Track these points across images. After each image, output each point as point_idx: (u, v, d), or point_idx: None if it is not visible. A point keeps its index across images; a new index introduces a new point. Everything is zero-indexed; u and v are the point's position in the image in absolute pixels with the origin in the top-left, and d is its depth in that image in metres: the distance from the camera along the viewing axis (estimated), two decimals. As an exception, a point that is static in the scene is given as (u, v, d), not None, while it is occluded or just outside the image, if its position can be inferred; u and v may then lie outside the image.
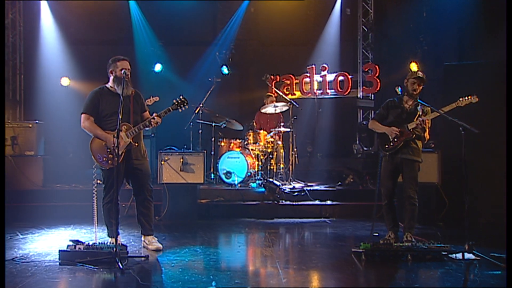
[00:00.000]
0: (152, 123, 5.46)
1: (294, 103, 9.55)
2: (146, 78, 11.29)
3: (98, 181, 5.66)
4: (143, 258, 5.20)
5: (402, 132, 5.74)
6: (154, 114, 5.52)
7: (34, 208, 7.90)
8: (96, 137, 5.43)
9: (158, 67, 11.47)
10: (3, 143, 5.84)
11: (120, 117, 5.05)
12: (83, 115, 5.47)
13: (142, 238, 5.74)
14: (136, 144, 5.49)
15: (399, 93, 5.86)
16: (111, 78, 5.56)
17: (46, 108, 10.27)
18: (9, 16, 11.26)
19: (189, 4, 11.22)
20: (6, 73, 11.18)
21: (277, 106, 9.51)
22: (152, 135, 9.99)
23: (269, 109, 9.62)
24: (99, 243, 5.14)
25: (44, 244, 5.84)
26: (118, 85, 5.46)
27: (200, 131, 9.75)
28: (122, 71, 5.45)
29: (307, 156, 11.42)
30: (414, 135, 5.73)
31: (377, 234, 6.33)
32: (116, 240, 4.93)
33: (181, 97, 5.53)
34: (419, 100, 5.78)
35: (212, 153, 9.61)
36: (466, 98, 5.49)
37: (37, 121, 9.00)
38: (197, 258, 5.26)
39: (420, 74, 5.83)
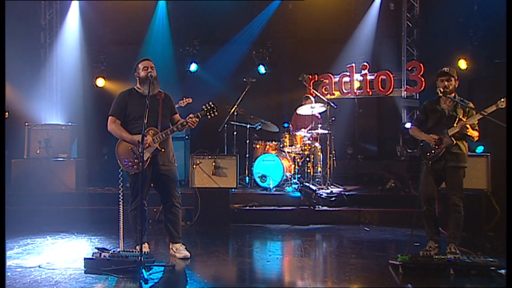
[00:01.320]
0: (188, 121, 5.37)
1: (332, 104, 9.31)
2: (181, 79, 11.32)
3: (127, 185, 5.62)
4: (169, 267, 5.12)
5: (441, 140, 5.47)
6: (181, 120, 5.44)
7: (66, 211, 7.99)
8: (122, 140, 5.40)
9: (193, 67, 11.48)
10: (3, 143, 5.89)
11: (146, 121, 4.98)
12: (109, 118, 5.47)
13: (170, 246, 5.67)
14: (163, 150, 5.41)
15: (440, 94, 5.57)
16: (137, 80, 5.53)
17: (81, 109, 10.41)
18: (47, 17, 11.49)
19: (224, 2, 11.13)
20: (44, 74, 11.43)
21: (314, 107, 9.30)
22: (186, 137, 9.97)
23: (306, 110, 9.43)
24: (124, 251, 5.08)
25: (72, 250, 5.87)
26: (144, 85, 5.43)
27: (235, 133, 9.65)
28: (147, 72, 5.40)
29: (347, 159, 11.17)
30: (455, 142, 5.44)
31: (417, 244, 6.08)
32: (141, 248, 4.86)
33: (210, 103, 5.42)
34: (454, 99, 5.47)
35: (247, 155, 9.50)
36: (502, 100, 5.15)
37: (70, 123, 9.12)
38: (224, 268, 5.15)
39: (446, 69, 5.55)
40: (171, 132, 5.39)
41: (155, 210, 7.63)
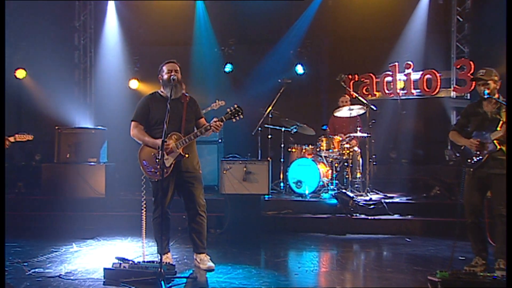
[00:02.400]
0: (212, 125, 5.27)
1: (372, 106, 9.03)
2: (214, 80, 11.27)
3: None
4: (191, 279, 5.03)
5: (483, 145, 5.16)
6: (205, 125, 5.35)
7: (95, 217, 8.06)
8: (145, 145, 5.36)
9: (228, 68, 11.40)
10: (3, 143, 5.93)
11: (166, 127, 4.91)
12: (132, 123, 5.44)
13: (194, 256, 5.58)
14: (187, 155, 5.32)
15: (485, 95, 5.25)
16: (161, 83, 5.47)
17: (114, 112, 10.49)
18: (81, 18, 11.68)
19: (261, 1, 11.03)
20: (77, 76, 11.62)
21: (352, 109, 9.06)
22: (219, 140, 9.91)
23: (344, 112, 9.20)
24: (144, 261, 5.04)
25: (95, 259, 5.88)
26: (166, 89, 5.41)
27: (269, 136, 9.50)
28: (170, 75, 5.34)
29: (390, 163, 10.84)
30: (499, 148, 5.11)
31: (463, 258, 5.78)
32: (161, 259, 4.79)
33: (235, 105, 5.30)
34: (499, 100, 5.16)
35: (282, 160, 9.35)
36: None
37: (99, 127, 9.21)
38: (248, 282, 5.00)
39: (481, 72, 5.29)
40: (194, 136, 5.30)
41: (184, 216, 7.53)
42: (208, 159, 9.61)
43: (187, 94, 5.62)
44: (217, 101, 8.81)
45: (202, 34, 11.63)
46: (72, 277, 5.03)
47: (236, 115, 5.27)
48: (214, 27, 11.62)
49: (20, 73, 10.58)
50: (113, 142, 9.44)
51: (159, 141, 5.11)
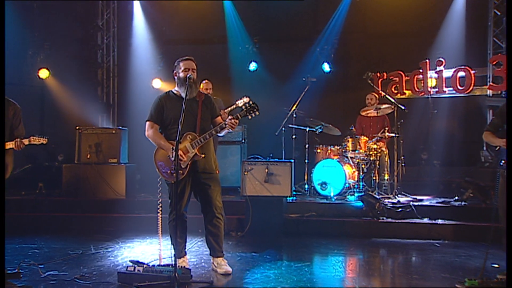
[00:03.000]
0: (227, 123, 5.12)
1: (399, 105, 8.83)
2: (240, 78, 11.22)
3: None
4: (206, 284, 4.97)
5: (517, 145, 4.95)
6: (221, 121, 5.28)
7: (115, 219, 8.08)
8: (159, 147, 5.31)
9: (253, 66, 11.35)
10: (3, 143, 5.97)
11: (181, 127, 4.84)
12: (147, 123, 5.38)
13: (211, 260, 5.51)
14: (203, 156, 5.24)
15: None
16: (176, 81, 5.40)
17: (136, 111, 10.51)
18: (104, 17, 11.78)
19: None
20: (100, 76, 11.71)
21: (379, 108, 8.86)
22: (243, 141, 9.84)
23: (371, 112, 9.01)
24: (159, 265, 4.99)
25: (112, 262, 5.87)
26: (181, 87, 5.32)
27: (294, 136, 9.38)
28: (187, 74, 5.25)
29: (421, 164, 10.59)
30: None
31: (496, 265, 5.56)
32: (175, 263, 4.73)
33: (250, 102, 5.18)
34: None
35: (307, 161, 9.22)
36: None
37: (120, 127, 9.24)
38: (265, 287, 4.91)
39: None
40: (209, 135, 5.21)
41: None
42: (231, 160, 9.56)
43: (202, 92, 5.54)
44: (243, 98, 8.74)
45: (227, 32, 11.58)
46: (86, 280, 5.01)
47: (251, 111, 5.13)
48: (239, 25, 11.56)
49: (43, 73, 10.71)
50: (135, 142, 9.44)
51: (173, 145, 5.08)
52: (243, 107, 5.16)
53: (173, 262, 5.14)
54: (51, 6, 10.67)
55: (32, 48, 10.76)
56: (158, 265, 4.99)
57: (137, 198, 8.75)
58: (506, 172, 4.83)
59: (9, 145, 5.85)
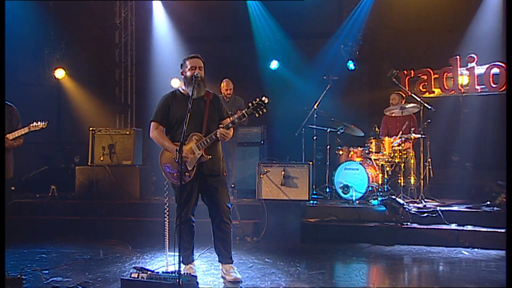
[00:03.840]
0: (217, 135, 5.08)
1: (426, 105, 8.60)
2: (261, 77, 11.16)
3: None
4: (212, 292, 4.90)
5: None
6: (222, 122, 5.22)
7: (128, 223, 8.09)
8: (165, 149, 5.25)
9: (274, 64, 11.26)
10: (3, 143, 6.03)
11: (187, 126, 4.78)
12: (151, 124, 5.34)
13: (220, 267, 5.44)
14: (210, 157, 5.16)
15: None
16: (182, 79, 5.34)
17: (153, 112, 10.49)
18: (122, 15, 11.83)
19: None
20: (118, 76, 11.77)
21: (404, 108, 8.65)
22: (262, 142, 9.76)
23: (395, 111, 8.81)
24: (164, 272, 4.92)
25: (118, 268, 5.84)
26: (188, 87, 5.23)
27: (315, 137, 9.25)
28: (193, 72, 5.19)
29: (451, 167, 10.33)
30: None
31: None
32: (179, 270, 4.65)
33: (257, 99, 5.03)
34: None
35: (328, 163, 9.07)
36: None
37: (134, 128, 9.24)
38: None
39: None
40: (215, 136, 5.12)
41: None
42: (249, 161, 9.49)
43: (210, 91, 5.46)
44: (263, 97, 8.63)
45: (248, 30, 11.50)
46: (89, 287, 4.98)
47: (258, 109, 5.01)
48: (261, 22, 11.47)
49: (59, 73, 10.82)
50: (151, 143, 9.40)
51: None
52: (250, 104, 5.05)
53: (184, 268, 5.20)
54: (67, 5, 10.78)
55: (48, 48, 10.89)
56: (163, 272, 4.92)
57: (151, 201, 8.71)
58: (506, 172, 4.64)
59: None
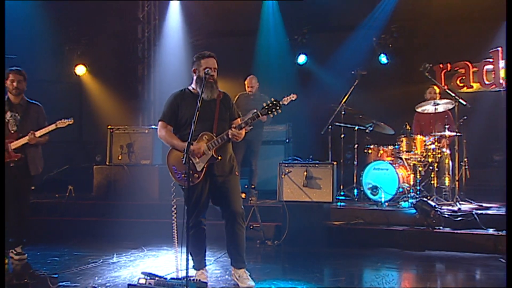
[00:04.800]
0: (229, 135, 5.02)
1: (461, 100, 8.32)
2: (283, 73, 11.02)
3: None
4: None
5: None
6: (234, 122, 5.14)
7: (146, 224, 8.07)
8: (173, 148, 5.19)
9: (302, 59, 11.11)
10: (3, 143, 6.11)
11: (193, 127, 4.71)
12: (160, 123, 5.29)
13: (232, 271, 5.37)
14: (220, 158, 5.09)
15: None
16: (194, 78, 5.27)
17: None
18: (145, 9, 11.85)
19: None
20: (140, 72, 11.79)
21: (438, 104, 8.39)
22: (287, 140, 9.68)
23: (428, 107, 8.55)
24: (172, 278, 4.87)
25: (130, 272, 5.82)
26: (199, 87, 5.17)
27: (342, 135, 9.09)
28: (207, 74, 5.09)
29: (493, 167, 10.01)
30: None
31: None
32: (187, 276, 4.59)
33: (272, 99, 5.01)
34: None
35: (355, 163, 8.91)
36: None
37: (153, 126, 9.25)
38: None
39: None
40: (227, 136, 5.04)
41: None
42: (274, 161, 9.32)
43: (220, 90, 5.38)
44: (291, 95, 8.58)
45: (272, 23, 11.37)
46: (96, 293, 4.98)
47: (273, 109, 4.97)
48: (286, 14, 11.33)
49: (80, 70, 10.92)
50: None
51: (199, 146, 5.03)
52: (264, 104, 5.01)
53: (196, 274, 5.22)
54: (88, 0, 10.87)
55: (69, 44, 10.99)
56: (171, 278, 4.87)
57: (171, 202, 8.67)
58: (506, 172, 4.42)
59: (23, 140, 6.26)
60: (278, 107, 4.96)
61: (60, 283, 5.31)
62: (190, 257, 5.24)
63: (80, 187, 9.64)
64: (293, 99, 8.65)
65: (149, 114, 11.80)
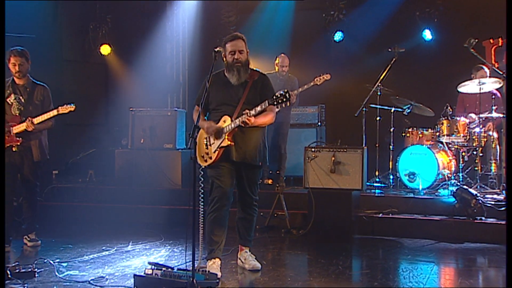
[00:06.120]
0: (239, 121, 5.04)
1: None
2: (322, 50, 10.83)
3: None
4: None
5: None
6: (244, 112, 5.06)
7: (168, 211, 8.10)
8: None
9: (338, 36, 10.87)
10: (3, 143, 6.14)
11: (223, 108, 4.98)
12: (195, 107, 5.46)
13: (238, 254, 5.58)
14: (231, 144, 5.12)
15: None
16: (224, 63, 5.33)
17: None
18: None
19: None
20: (169, 51, 11.76)
21: (483, 83, 8.04)
22: (319, 123, 9.50)
23: (471, 87, 8.21)
24: (180, 269, 4.86)
25: (142, 261, 5.82)
26: (229, 73, 5.25)
27: (378, 118, 8.87)
28: (233, 58, 5.17)
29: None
30: None
31: None
32: (193, 267, 4.55)
33: (282, 92, 4.97)
34: None
35: (391, 147, 8.68)
36: None
37: (176, 109, 9.22)
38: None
39: None
40: (241, 122, 5.01)
41: (262, 214, 7.32)
42: (304, 145, 9.20)
43: (257, 71, 5.40)
44: (321, 75, 8.45)
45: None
46: (102, 284, 4.99)
47: (281, 101, 4.98)
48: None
49: (105, 49, 10.99)
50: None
51: (208, 124, 5.20)
52: (274, 96, 5.03)
53: (208, 264, 5.20)
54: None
55: (93, 22, 11.04)
56: (178, 269, 4.85)
57: (195, 188, 8.66)
58: (506, 172, 4.17)
59: (21, 127, 6.28)
60: (286, 100, 4.96)
61: (68, 273, 5.36)
62: (202, 246, 5.30)
63: (104, 171, 9.77)
64: (327, 79, 8.57)
65: (178, 96, 11.80)
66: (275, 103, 4.99)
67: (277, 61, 8.79)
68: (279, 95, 4.95)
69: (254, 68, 5.41)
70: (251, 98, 5.20)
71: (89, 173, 9.02)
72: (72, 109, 6.45)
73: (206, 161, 5.25)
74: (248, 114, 4.96)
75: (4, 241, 5.92)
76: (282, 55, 8.83)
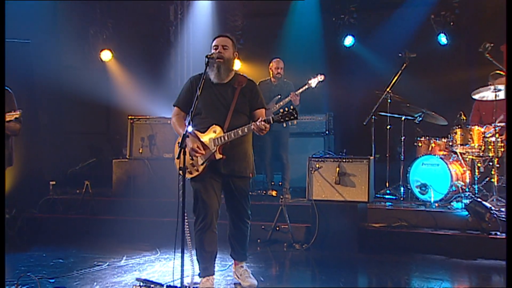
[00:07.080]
0: (253, 127, 4.82)
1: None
2: (332, 56, 10.75)
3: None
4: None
5: None
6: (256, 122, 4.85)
7: (166, 224, 7.91)
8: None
9: (349, 40, 10.80)
10: (3, 143, 6.05)
11: (190, 118, 4.66)
12: (174, 109, 5.30)
13: (233, 268, 5.46)
14: (222, 157, 4.97)
15: None
16: None
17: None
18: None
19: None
20: (173, 57, 11.74)
21: (499, 90, 7.90)
22: (327, 132, 9.43)
23: (486, 94, 8.09)
24: (169, 286, 4.80)
25: (134, 277, 5.69)
26: (209, 68, 5.05)
27: (388, 127, 8.76)
28: (215, 53, 5.04)
29: None
30: None
31: None
32: (182, 283, 4.49)
33: (291, 106, 4.77)
34: None
35: (402, 157, 8.56)
36: None
37: (175, 116, 9.17)
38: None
39: None
40: (235, 135, 4.89)
41: (263, 227, 7.27)
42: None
43: (245, 77, 5.29)
44: (315, 76, 8.38)
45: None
46: (87, 301, 4.94)
47: (287, 118, 4.75)
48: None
49: (106, 55, 10.98)
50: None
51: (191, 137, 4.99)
52: (281, 109, 4.80)
53: (201, 281, 5.14)
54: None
55: (94, 27, 11.04)
56: (168, 286, 4.79)
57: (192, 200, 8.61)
58: (506, 171, 4.07)
59: None
60: (293, 117, 4.74)
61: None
62: (196, 263, 5.22)
63: (103, 182, 9.72)
64: (321, 80, 8.49)
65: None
66: (281, 120, 4.76)
67: (271, 65, 8.80)
68: (285, 112, 4.72)
69: (241, 74, 5.34)
70: (240, 107, 5.10)
71: (85, 184, 9.00)
72: (17, 115, 6.07)
73: (191, 173, 5.09)
74: (265, 122, 4.76)
75: (4, 241, 5.82)
76: (277, 59, 8.84)
